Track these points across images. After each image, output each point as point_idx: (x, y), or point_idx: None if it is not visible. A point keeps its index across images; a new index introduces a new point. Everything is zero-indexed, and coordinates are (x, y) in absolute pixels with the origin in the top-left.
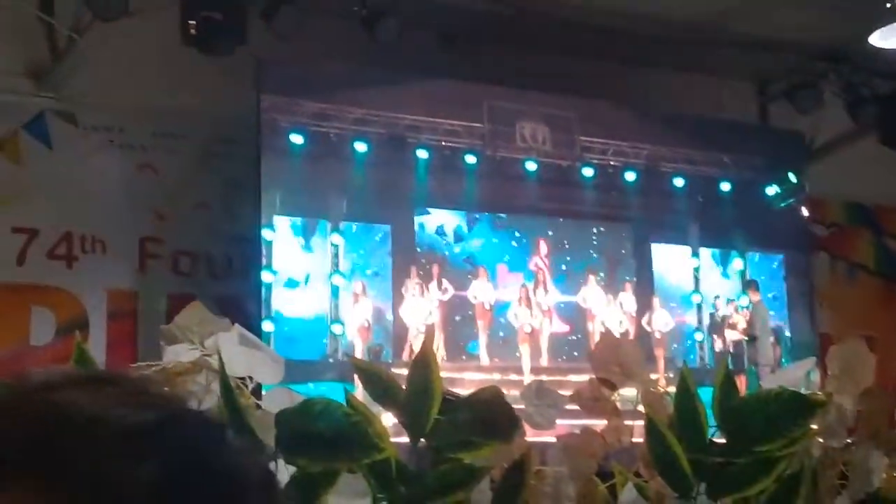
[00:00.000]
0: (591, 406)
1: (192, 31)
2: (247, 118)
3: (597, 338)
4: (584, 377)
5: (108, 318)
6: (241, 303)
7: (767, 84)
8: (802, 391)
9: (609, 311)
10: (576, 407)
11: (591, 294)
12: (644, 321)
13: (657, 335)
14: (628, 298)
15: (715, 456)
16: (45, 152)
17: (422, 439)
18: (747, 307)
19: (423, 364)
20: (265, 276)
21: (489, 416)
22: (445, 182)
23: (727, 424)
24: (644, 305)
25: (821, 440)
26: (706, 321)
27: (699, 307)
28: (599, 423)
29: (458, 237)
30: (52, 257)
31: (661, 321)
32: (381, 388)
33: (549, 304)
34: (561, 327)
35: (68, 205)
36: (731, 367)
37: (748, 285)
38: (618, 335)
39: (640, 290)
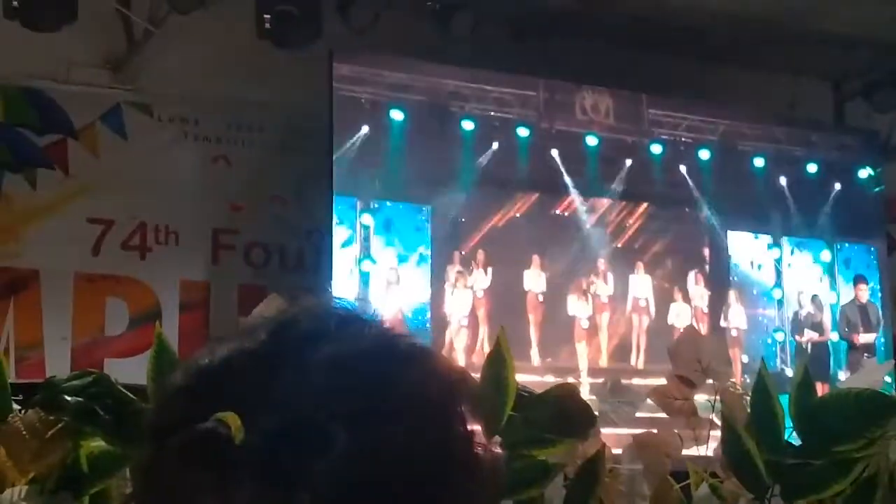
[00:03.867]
0: (668, 405)
1: (267, 25)
2: (320, 111)
3: (640, 333)
4: (648, 381)
5: (180, 309)
6: (313, 295)
7: (843, 82)
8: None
9: (678, 307)
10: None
11: (641, 285)
12: (718, 318)
13: (733, 333)
14: (699, 292)
15: (791, 457)
16: (120, 143)
17: (496, 436)
18: (838, 305)
19: (498, 359)
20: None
21: (564, 413)
22: (494, 157)
23: (804, 425)
24: (718, 300)
25: None
26: (788, 319)
27: (780, 304)
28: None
29: (508, 220)
30: (127, 248)
31: (737, 318)
32: None
33: (609, 295)
34: (623, 322)
35: (143, 196)
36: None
37: (857, 280)
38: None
39: (713, 282)
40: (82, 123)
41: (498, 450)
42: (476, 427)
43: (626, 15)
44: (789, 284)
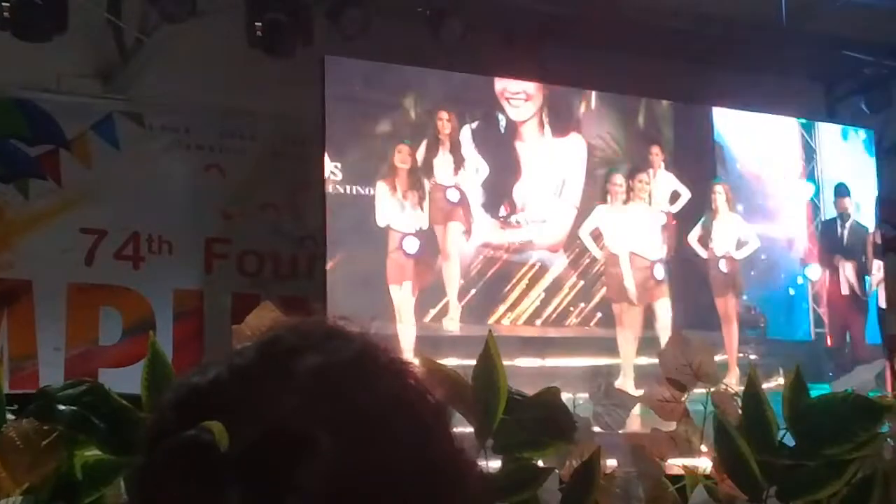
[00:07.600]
0: (661, 407)
1: (258, 33)
2: (313, 118)
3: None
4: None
5: (174, 318)
6: (306, 303)
7: (836, 83)
8: (871, 394)
9: (615, 215)
10: None
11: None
12: (692, 237)
13: (722, 267)
14: (665, 182)
15: (785, 458)
16: (112, 153)
17: (489, 439)
18: None
19: (489, 362)
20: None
21: (551, 416)
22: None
23: (797, 426)
24: (696, 206)
25: (893, 444)
26: (829, 240)
27: (815, 212)
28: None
29: None
30: (120, 258)
31: (729, 236)
32: (450, 388)
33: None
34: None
35: (135, 205)
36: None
37: None
38: (627, 260)
39: (686, 168)
40: (74, 133)
41: (488, 466)
42: (463, 446)
43: (616, 19)
44: (827, 175)
